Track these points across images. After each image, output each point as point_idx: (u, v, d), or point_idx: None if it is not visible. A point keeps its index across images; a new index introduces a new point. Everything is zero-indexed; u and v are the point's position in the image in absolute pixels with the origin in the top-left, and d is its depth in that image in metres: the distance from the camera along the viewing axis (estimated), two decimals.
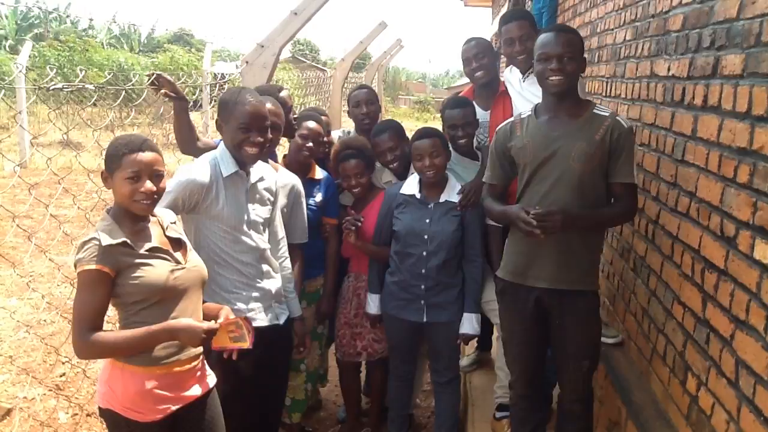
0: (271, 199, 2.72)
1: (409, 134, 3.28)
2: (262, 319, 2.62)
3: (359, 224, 3.13)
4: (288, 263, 2.86)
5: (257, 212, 2.62)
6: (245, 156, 2.51)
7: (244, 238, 2.56)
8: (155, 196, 2.05)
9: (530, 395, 2.71)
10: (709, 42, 2.22)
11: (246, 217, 2.57)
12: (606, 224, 2.64)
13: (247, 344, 2.15)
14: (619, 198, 2.45)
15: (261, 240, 2.64)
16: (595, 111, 2.43)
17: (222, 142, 2.61)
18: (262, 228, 2.66)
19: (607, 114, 2.42)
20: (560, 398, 2.66)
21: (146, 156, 2.02)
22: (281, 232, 2.83)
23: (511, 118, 2.63)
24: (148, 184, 2.01)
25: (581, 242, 2.44)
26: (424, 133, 3.04)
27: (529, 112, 2.55)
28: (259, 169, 2.66)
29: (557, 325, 2.52)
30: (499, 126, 2.64)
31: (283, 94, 3.23)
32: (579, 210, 2.39)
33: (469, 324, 3.06)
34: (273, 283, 2.69)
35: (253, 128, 2.47)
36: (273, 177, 2.77)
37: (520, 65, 3.22)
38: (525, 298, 2.53)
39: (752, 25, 1.90)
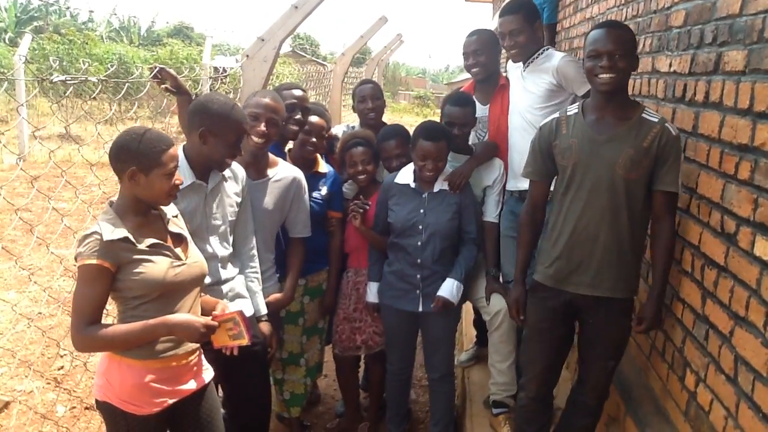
0: (238, 200, 2.63)
1: (410, 129, 3.26)
2: None
3: (367, 208, 3.13)
4: (255, 262, 2.76)
5: (219, 216, 2.54)
6: (225, 167, 2.47)
7: (203, 245, 2.46)
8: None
9: (542, 398, 2.67)
10: (711, 38, 2.21)
11: (206, 224, 2.49)
12: (671, 262, 2.44)
13: (245, 341, 2.15)
14: (657, 211, 2.33)
15: (221, 247, 2.55)
16: (643, 115, 2.31)
17: (182, 149, 2.48)
18: (227, 232, 2.58)
19: (656, 120, 2.29)
20: (576, 391, 2.63)
21: (175, 150, 2.06)
22: (250, 226, 2.75)
23: (556, 114, 2.54)
24: (179, 178, 2.07)
25: (630, 249, 2.36)
26: (433, 134, 2.92)
27: (576, 110, 2.46)
28: (220, 173, 2.55)
29: (589, 325, 2.49)
30: (544, 122, 2.57)
31: (298, 93, 3.19)
32: (653, 288, 2.36)
33: (448, 288, 2.97)
34: (228, 286, 2.58)
35: (241, 142, 2.44)
36: (240, 174, 2.67)
37: (514, 58, 3.21)
38: (558, 299, 2.48)
39: (755, 21, 1.89)
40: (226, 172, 2.57)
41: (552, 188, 2.61)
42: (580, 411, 2.61)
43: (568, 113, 2.48)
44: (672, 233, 2.35)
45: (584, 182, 2.36)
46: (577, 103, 2.51)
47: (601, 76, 2.28)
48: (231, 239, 2.63)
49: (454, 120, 3.13)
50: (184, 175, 2.42)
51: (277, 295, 2.94)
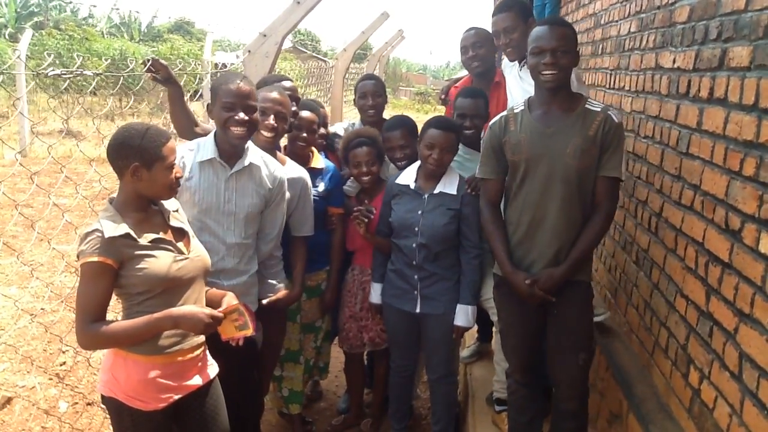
0: (261, 192, 2.64)
1: None
2: None
3: (371, 217, 3.08)
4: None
5: (238, 203, 2.55)
6: (231, 136, 2.48)
7: (213, 225, 2.49)
8: None
9: (529, 384, 2.71)
10: (715, 34, 2.20)
11: (221, 206, 2.51)
12: (594, 247, 2.55)
13: (250, 331, 2.16)
14: (598, 197, 2.41)
15: (233, 234, 2.56)
16: (587, 106, 2.40)
17: (213, 135, 2.58)
18: (244, 222, 2.59)
19: (599, 109, 2.40)
20: (556, 398, 2.65)
21: (173, 143, 2.08)
22: (274, 231, 2.78)
23: (504, 112, 2.60)
24: (179, 170, 2.10)
25: (578, 232, 2.44)
26: (443, 124, 2.92)
27: (522, 107, 2.52)
28: (249, 160, 2.58)
29: (554, 316, 2.52)
30: (493, 120, 2.62)
31: (287, 84, 3.20)
32: (566, 259, 2.42)
33: (463, 316, 2.98)
34: (235, 281, 2.59)
35: (237, 107, 2.45)
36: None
37: (510, 56, 3.22)
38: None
39: (760, 16, 1.88)
40: (260, 162, 2.61)
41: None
42: (564, 416, 2.62)
43: (515, 110, 2.55)
44: (607, 223, 2.47)
45: (537, 175, 2.43)
46: (523, 100, 2.56)
47: (544, 72, 2.35)
48: (248, 232, 2.62)
49: (465, 112, 3.10)
50: (207, 150, 2.51)
51: (285, 291, 2.93)
